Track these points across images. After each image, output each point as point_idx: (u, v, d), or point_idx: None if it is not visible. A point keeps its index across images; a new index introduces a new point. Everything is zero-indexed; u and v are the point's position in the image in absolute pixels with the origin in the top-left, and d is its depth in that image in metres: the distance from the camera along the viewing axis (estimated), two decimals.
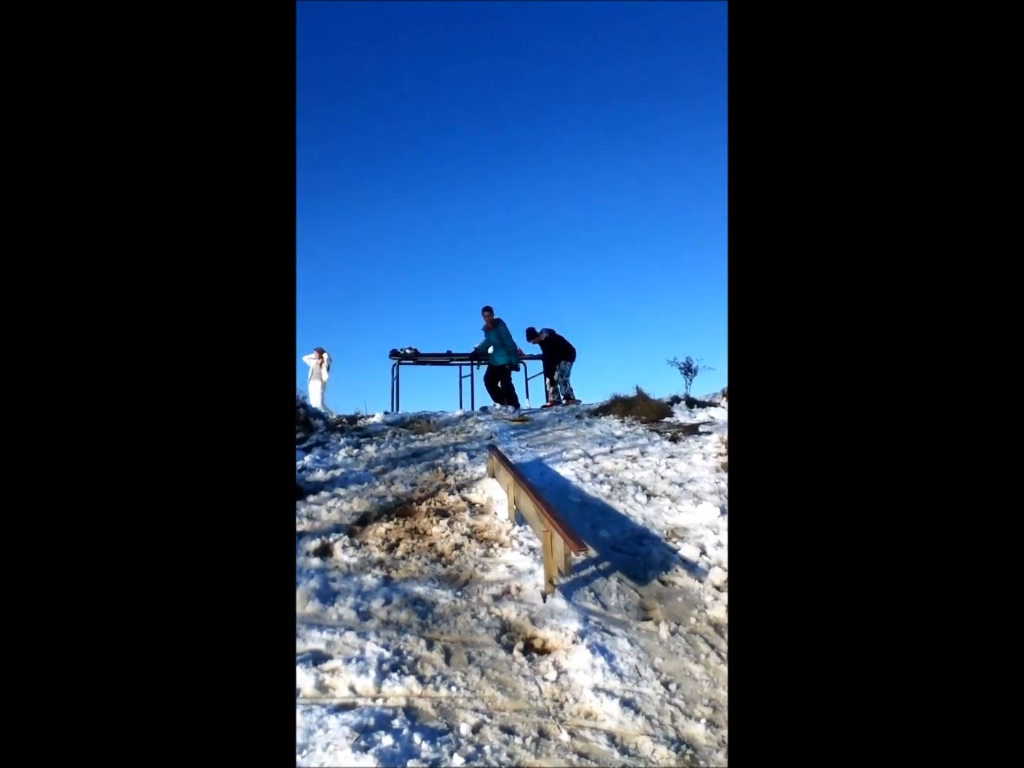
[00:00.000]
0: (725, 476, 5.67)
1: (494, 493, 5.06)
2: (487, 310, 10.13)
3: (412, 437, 7.28)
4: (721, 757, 2.27)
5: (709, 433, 7.02)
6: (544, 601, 3.42)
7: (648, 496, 5.19)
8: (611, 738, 2.38)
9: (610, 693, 2.61)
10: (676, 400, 8.77)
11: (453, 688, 2.67)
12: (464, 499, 5.07)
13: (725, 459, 6.10)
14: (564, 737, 2.37)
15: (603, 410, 8.30)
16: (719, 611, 3.48)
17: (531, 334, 10.38)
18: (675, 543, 4.23)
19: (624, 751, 2.31)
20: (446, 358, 10.91)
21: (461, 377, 10.72)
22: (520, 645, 3.03)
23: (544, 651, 3.02)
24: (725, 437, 6.61)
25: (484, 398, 9.99)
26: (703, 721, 2.48)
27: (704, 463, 6.05)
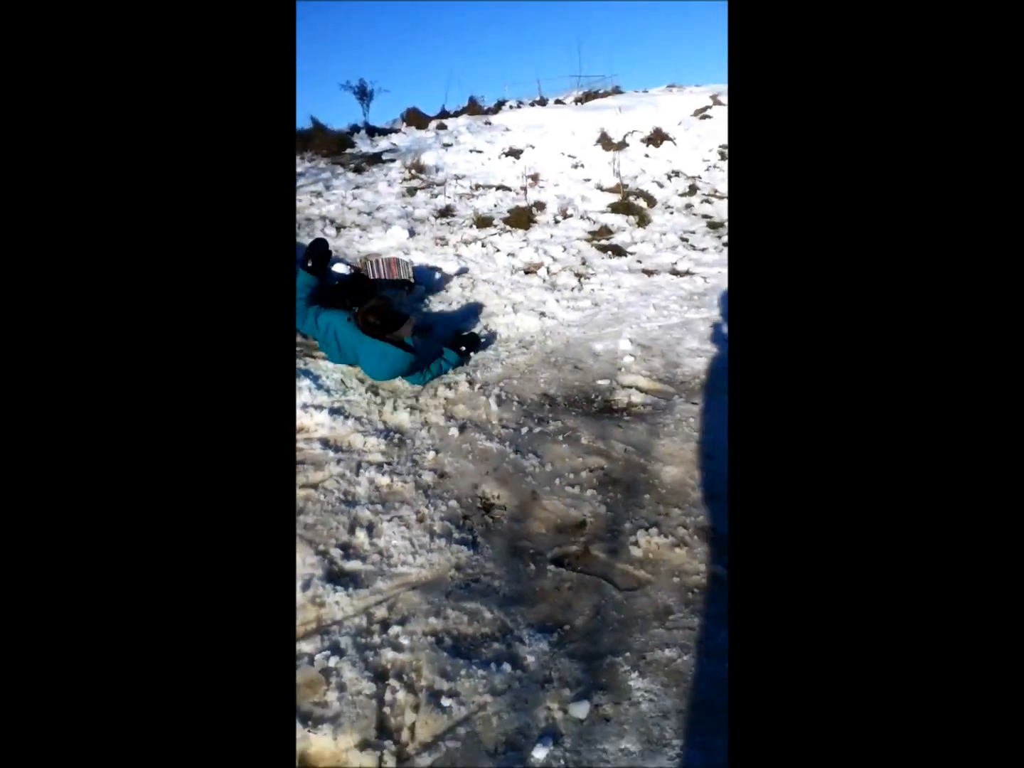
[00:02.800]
0: (411, 200, 5.70)
1: None
2: None
3: None
4: (423, 432, 2.56)
5: (393, 160, 6.86)
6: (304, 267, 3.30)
7: (337, 228, 5.03)
8: (324, 442, 2.52)
9: (319, 407, 2.71)
10: (356, 129, 8.27)
11: None
12: None
13: (410, 184, 6.09)
14: None
15: None
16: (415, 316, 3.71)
17: None
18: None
19: (338, 449, 2.48)
20: None
21: None
22: None
23: None
24: (409, 162, 6.52)
25: None
26: (408, 410, 2.73)
27: (390, 190, 5.97)
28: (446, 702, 1.48)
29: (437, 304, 3.85)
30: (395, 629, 1.66)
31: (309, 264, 3.02)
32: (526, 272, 4.18)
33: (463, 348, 3.07)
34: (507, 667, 1.57)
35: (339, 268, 3.82)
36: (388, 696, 1.51)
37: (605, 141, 6.67)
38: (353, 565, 1.90)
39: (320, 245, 3.07)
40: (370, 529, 2.04)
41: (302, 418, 2.67)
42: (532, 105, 9.15)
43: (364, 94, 8.98)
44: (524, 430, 2.55)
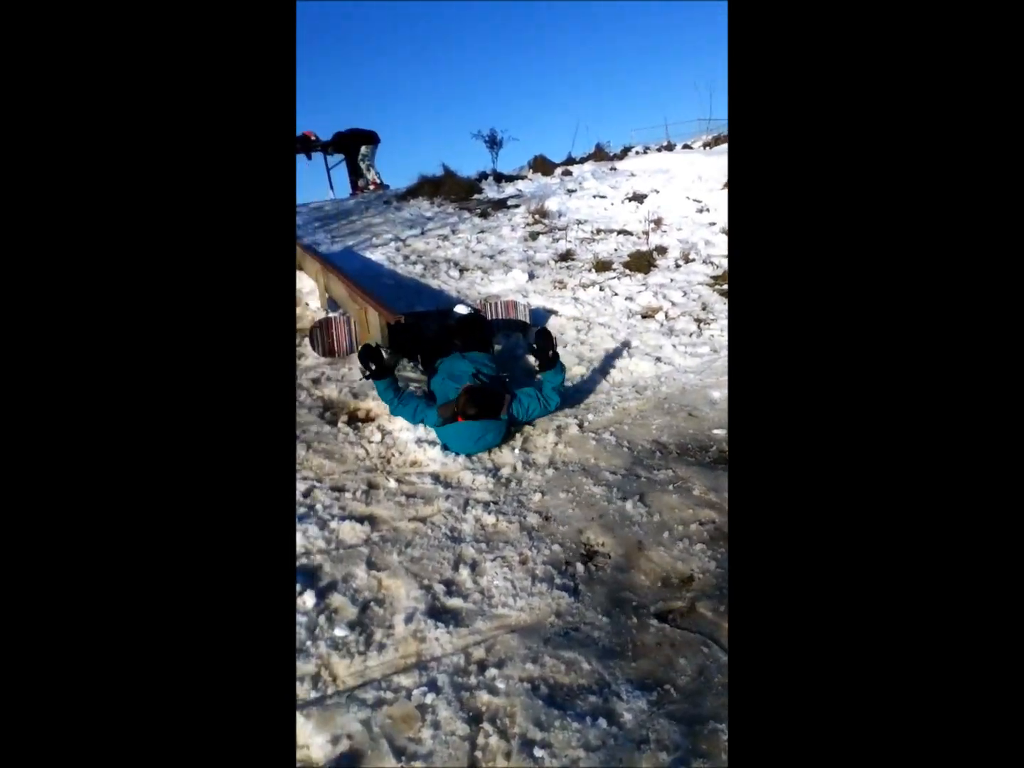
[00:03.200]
0: (532, 244, 5.84)
1: (303, 285, 4.84)
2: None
3: None
4: (530, 474, 2.57)
5: (517, 206, 7.07)
6: (364, 378, 3.47)
7: (461, 271, 5.24)
8: (435, 477, 2.59)
9: (432, 442, 2.80)
10: (484, 176, 8.62)
11: None
12: None
13: (532, 229, 6.24)
14: (392, 485, 2.54)
15: (411, 193, 7.97)
16: (530, 358, 3.76)
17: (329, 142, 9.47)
18: None
19: (447, 485, 2.53)
20: None
21: None
22: (344, 418, 3.10)
23: (368, 420, 3.13)
24: (532, 207, 6.70)
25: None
26: (516, 450, 2.76)
27: (513, 234, 6.15)
28: (538, 752, 1.45)
29: None
30: (492, 671, 1.66)
31: (371, 370, 2.92)
32: (643, 316, 4.14)
33: (546, 352, 2.94)
34: (603, 722, 1.51)
35: (460, 309, 3.97)
36: (481, 740, 1.50)
37: None
38: (455, 602, 1.92)
39: (368, 352, 2.94)
40: (473, 567, 2.06)
41: (416, 452, 2.76)
42: (659, 150, 9.17)
43: (494, 143, 9.37)
44: (633, 477, 2.50)
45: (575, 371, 3.52)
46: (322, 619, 1.86)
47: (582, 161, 9.11)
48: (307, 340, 3.86)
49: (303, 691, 1.64)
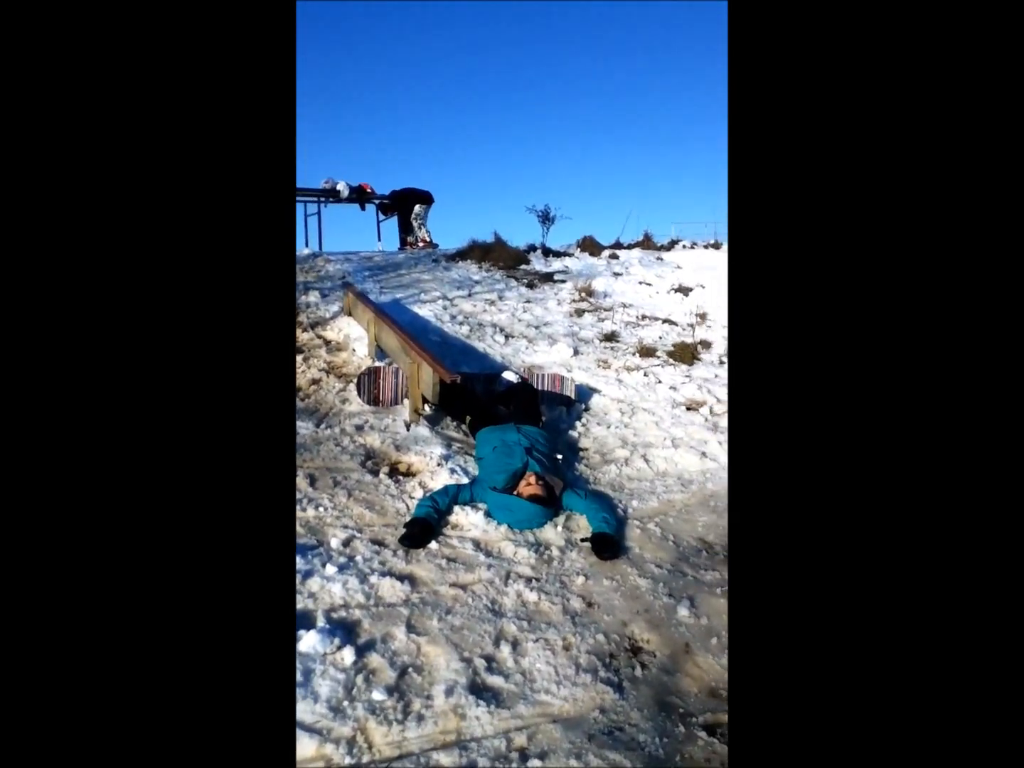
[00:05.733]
0: (578, 320, 5.92)
1: (351, 331, 4.92)
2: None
3: None
4: (572, 555, 2.52)
5: (564, 281, 7.21)
6: (408, 430, 3.48)
7: (506, 337, 5.31)
8: (476, 544, 2.55)
9: (474, 507, 2.77)
10: (532, 248, 8.82)
11: (320, 508, 2.70)
12: (319, 336, 4.89)
13: (578, 305, 6.34)
14: (433, 545, 2.50)
15: (461, 255, 8.17)
16: (573, 434, 3.75)
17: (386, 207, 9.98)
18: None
19: (488, 554, 2.49)
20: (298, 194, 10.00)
21: (307, 215, 9.93)
22: (386, 469, 3.09)
23: (409, 474, 3.11)
24: (579, 285, 6.83)
25: (332, 241, 9.29)
26: (559, 527, 2.72)
27: (559, 308, 6.25)
28: None
29: (594, 425, 3.88)
30: (535, 763, 1.58)
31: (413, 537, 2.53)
32: (688, 408, 4.14)
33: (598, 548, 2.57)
34: None
35: (508, 376, 3.99)
36: None
37: None
38: (496, 681, 1.86)
39: (418, 525, 2.58)
40: (515, 646, 2.00)
41: (458, 515, 2.73)
42: (706, 247, 9.39)
43: (547, 218, 9.62)
44: (679, 574, 2.45)
45: (618, 454, 3.51)
46: (360, 679, 1.81)
47: (630, 247, 9.32)
48: (353, 386, 3.90)
49: (338, 755, 1.58)
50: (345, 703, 1.72)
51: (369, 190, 10.08)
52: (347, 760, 1.57)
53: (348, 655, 1.87)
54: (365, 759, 1.58)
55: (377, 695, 1.75)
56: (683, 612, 2.20)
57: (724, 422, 3.95)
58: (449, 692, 1.79)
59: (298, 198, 9.78)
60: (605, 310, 6.25)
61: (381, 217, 10.22)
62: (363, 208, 10.14)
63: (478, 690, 1.81)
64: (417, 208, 9.81)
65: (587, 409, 4.09)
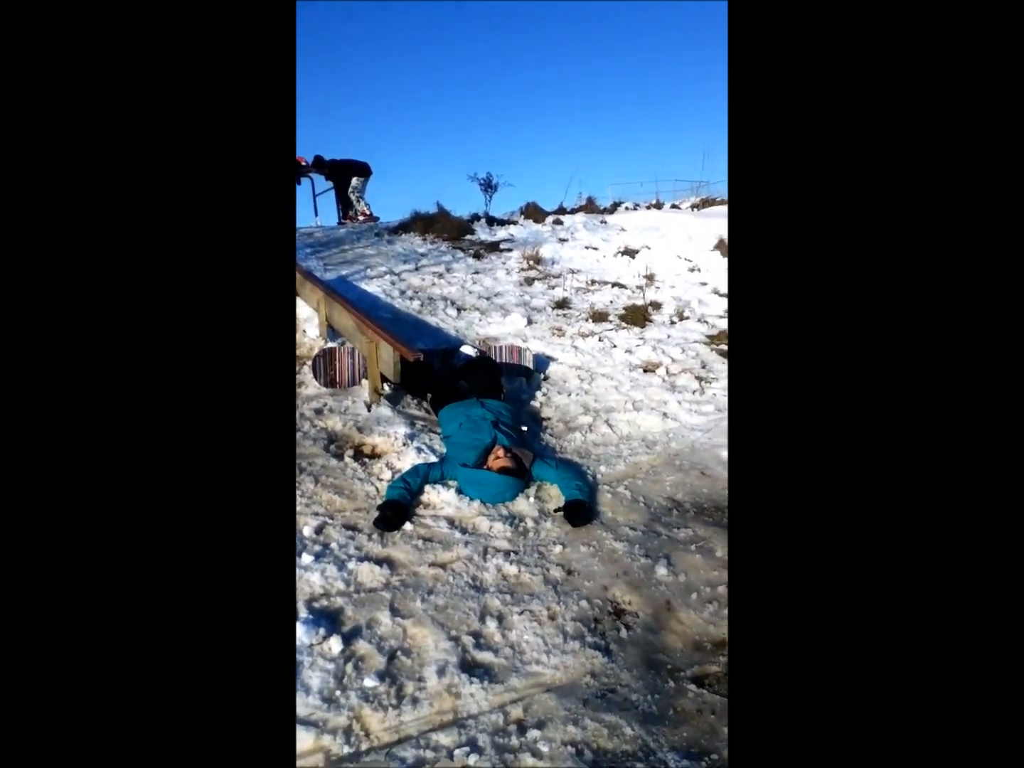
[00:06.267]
0: (528, 289, 5.89)
1: (300, 312, 4.77)
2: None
3: None
4: (547, 524, 2.54)
5: (511, 250, 7.15)
6: (369, 411, 3.42)
7: (458, 310, 5.24)
8: (451, 522, 2.54)
9: (446, 484, 2.75)
10: (476, 218, 8.71)
11: None
12: None
13: (527, 274, 6.31)
14: (407, 527, 2.48)
15: (403, 227, 8.00)
16: (534, 404, 3.76)
17: (319, 163, 9.48)
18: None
19: (464, 531, 2.49)
20: None
21: None
22: (350, 452, 3.03)
23: (375, 455, 3.07)
24: (527, 253, 6.78)
25: None
26: (531, 499, 2.73)
27: (508, 278, 6.21)
28: None
29: (555, 394, 3.89)
30: (533, 733, 1.60)
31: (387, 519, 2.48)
32: (645, 370, 4.19)
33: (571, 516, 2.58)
34: None
35: (466, 350, 3.95)
36: None
37: (723, 247, 6.76)
38: (486, 656, 1.87)
39: (391, 507, 2.54)
40: (500, 620, 2.01)
41: (429, 494, 2.71)
42: (648, 208, 9.44)
43: (489, 186, 9.50)
44: (653, 534, 2.50)
45: (581, 421, 3.53)
46: (349, 667, 1.79)
47: (573, 212, 9.30)
48: (308, 368, 3.80)
49: (336, 745, 1.57)
50: (337, 693, 1.71)
51: (304, 163, 9.73)
52: (346, 750, 1.56)
53: (335, 644, 1.85)
54: (364, 747, 1.57)
55: (369, 682, 1.74)
56: (661, 571, 2.25)
57: (681, 382, 4.02)
58: (441, 672, 1.79)
59: None
60: (554, 277, 6.23)
61: (317, 189, 9.91)
62: (298, 183, 9.80)
63: (469, 667, 1.82)
64: (355, 181, 9.54)
65: (546, 378, 4.10)
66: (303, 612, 1.96)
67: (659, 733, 1.64)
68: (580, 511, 2.56)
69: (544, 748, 1.57)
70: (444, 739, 1.59)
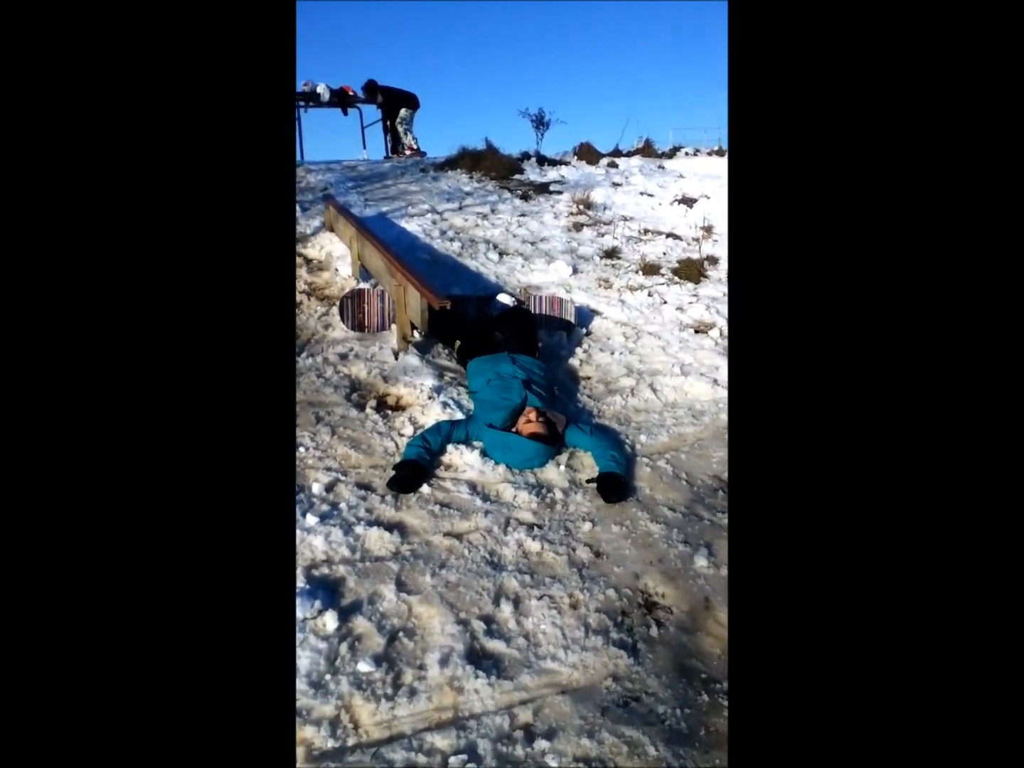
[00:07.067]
0: (576, 235, 5.55)
1: (334, 249, 4.56)
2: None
3: None
4: (578, 497, 2.32)
5: (560, 192, 6.76)
6: (396, 359, 3.21)
7: (500, 254, 4.96)
8: (472, 487, 2.34)
9: (470, 445, 2.54)
10: (527, 156, 8.29)
11: (301, 448, 2.46)
12: (299, 254, 4.53)
13: (576, 219, 5.95)
14: (424, 489, 2.28)
15: (450, 164, 7.65)
16: (573, 362, 3.49)
17: (370, 89, 9.05)
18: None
19: (486, 498, 2.28)
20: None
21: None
22: (373, 403, 2.84)
23: (398, 408, 2.87)
24: (577, 196, 6.40)
25: (313, 150, 8.70)
26: (561, 467, 2.50)
27: (556, 222, 5.86)
28: None
29: (596, 351, 3.62)
30: (542, 744, 1.41)
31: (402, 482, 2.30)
32: (696, 331, 3.87)
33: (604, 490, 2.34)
34: None
35: (503, 298, 3.69)
36: None
37: None
38: (496, 645, 1.67)
39: (408, 468, 2.34)
40: (517, 604, 1.81)
41: (451, 455, 2.50)
42: (709, 155, 8.83)
43: (541, 123, 8.99)
44: (695, 518, 2.25)
45: (623, 383, 3.26)
46: (344, 647, 1.62)
47: (629, 155, 8.77)
48: (336, 310, 3.59)
49: (319, 738, 1.40)
50: (327, 677, 1.54)
51: (352, 93, 9.37)
52: (330, 743, 1.40)
53: (330, 620, 1.68)
54: (351, 742, 1.41)
55: (364, 666, 1.57)
56: (701, 562, 2.01)
57: None
58: (444, 661, 1.60)
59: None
60: (605, 224, 5.86)
61: (365, 121, 9.55)
62: (345, 113, 9.47)
63: (476, 658, 1.63)
64: (403, 112, 9.16)
65: (588, 334, 3.82)
66: (300, 581, 1.79)
67: (687, 757, 1.43)
68: (615, 485, 2.32)
69: (553, 764, 1.38)
70: (440, 741, 1.41)
